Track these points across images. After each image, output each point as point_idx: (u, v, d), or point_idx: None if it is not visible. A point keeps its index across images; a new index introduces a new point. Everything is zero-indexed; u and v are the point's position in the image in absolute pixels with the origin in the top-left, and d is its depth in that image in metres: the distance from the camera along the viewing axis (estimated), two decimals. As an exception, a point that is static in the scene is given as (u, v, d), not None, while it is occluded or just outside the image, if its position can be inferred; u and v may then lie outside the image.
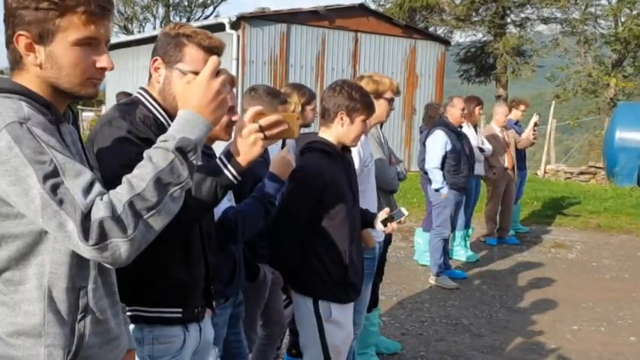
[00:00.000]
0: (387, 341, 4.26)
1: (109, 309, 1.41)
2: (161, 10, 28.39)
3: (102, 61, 1.33)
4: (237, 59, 12.31)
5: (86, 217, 1.15)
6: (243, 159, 1.74)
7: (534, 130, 7.37)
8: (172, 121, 1.82)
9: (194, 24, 15.74)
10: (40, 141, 1.18)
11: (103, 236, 1.16)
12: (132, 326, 1.80)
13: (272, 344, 3.43)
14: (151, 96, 1.88)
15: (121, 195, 1.20)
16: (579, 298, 5.56)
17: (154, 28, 26.59)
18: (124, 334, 1.54)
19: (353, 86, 2.72)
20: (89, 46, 1.31)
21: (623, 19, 18.59)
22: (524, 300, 5.47)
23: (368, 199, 3.34)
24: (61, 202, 1.15)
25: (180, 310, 1.90)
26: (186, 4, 28.53)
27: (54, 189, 1.15)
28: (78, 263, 1.31)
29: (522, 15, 21.06)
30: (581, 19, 18.82)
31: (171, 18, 28.20)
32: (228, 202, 2.26)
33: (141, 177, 1.23)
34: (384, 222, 2.92)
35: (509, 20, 21.22)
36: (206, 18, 28.10)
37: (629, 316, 5.12)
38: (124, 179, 1.24)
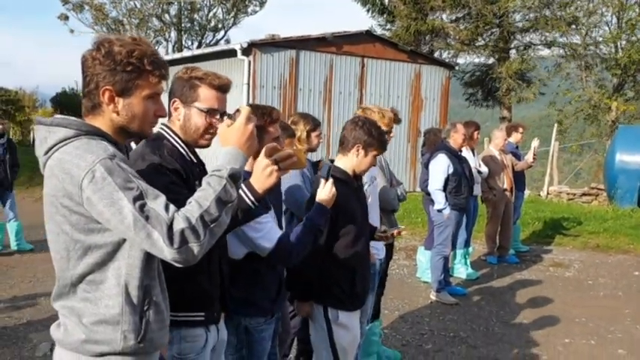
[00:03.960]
0: (388, 351, 4.57)
1: (162, 302, 1.78)
2: (173, 34, 29.09)
3: (161, 111, 1.77)
4: (248, 84, 12.78)
5: (170, 228, 1.53)
6: (260, 188, 2.12)
7: (534, 154, 7.73)
8: (191, 151, 2.20)
9: (209, 50, 16.16)
10: (127, 172, 1.58)
11: (183, 242, 1.54)
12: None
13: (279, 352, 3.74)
14: (173, 131, 2.21)
15: (192, 211, 1.58)
16: (573, 313, 5.85)
17: (167, 52, 27.22)
18: None
19: (373, 124, 3.14)
20: (153, 99, 1.72)
21: (623, 44, 19.02)
22: (520, 315, 5.77)
23: (371, 217, 3.70)
24: (147, 218, 1.53)
25: (203, 314, 2.22)
26: (197, 28, 29.22)
27: (141, 208, 1.54)
28: (146, 266, 1.70)
29: (525, 40, 21.54)
30: (582, 44, 19.25)
31: (183, 42, 28.87)
32: (279, 230, 2.55)
33: (205, 197, 1.62)
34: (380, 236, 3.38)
35: (512, 45, 21.69)
36: (217, 42, 28.77)
37: (619, 330, 5.41)
38: (192, 200, 1.63)
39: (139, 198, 1.54)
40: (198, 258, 1.60)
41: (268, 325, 2.64)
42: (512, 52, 21.61)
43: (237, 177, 1.71)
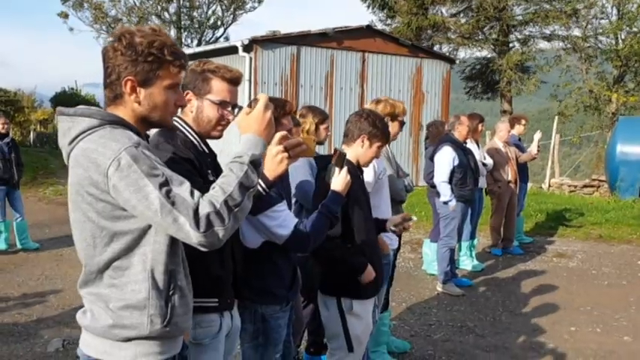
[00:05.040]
0: (397, 341, 4.62)
1: (186, 287, 1.82)
2: (173, 32, 29.02)
3: (180, 100, 1.80)
4: (250, 80, 12.81)
5: (196, 213, 1.57)
6: (271, 174, 2.18)
7: (537, 146, 7.77)
8: (202, 142, 2.24)
9: (210, 47, 16.20)
10: (152, 159, 1.61)
11: (209, 226, 1.58)
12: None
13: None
14: (186, 123, 2.27)
15: (217, 196, 1.62)
16: (578, 302, 5.89)
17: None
18: None
19: (377, 116, 3.19)
20: (173, 89, 1.76)
21: (623, 36, 19.06)
22: (525, 305, 5.81)
23: (383, 209, 3.72)
24: (173, 204, 1.57)
25: (216, 300, 2.25)
26: (197, 26, 29.20)
27: (167, 194, 1.57)
28: (171, 252, 1.73)
29: (525, 33, 21.57)
30: (582, 36, 19.29)
31: (183, 40, 28.85)
32: (295, 217, 2.59)
33: (228, 183, 1.66)
34: (396, 226, 3.33)
35: (512, 38, 21.72)
36: (217, 39, 28.77)
37: (624, 318, 5.46)
38: (216, 185, 1.67)
39: (165, 184, 1.57)
40: (223, 242, 1.63)
41: (284, 313, 2.68)
42: (513, 45, 21.63)
43: (258, 163, 1.75)
